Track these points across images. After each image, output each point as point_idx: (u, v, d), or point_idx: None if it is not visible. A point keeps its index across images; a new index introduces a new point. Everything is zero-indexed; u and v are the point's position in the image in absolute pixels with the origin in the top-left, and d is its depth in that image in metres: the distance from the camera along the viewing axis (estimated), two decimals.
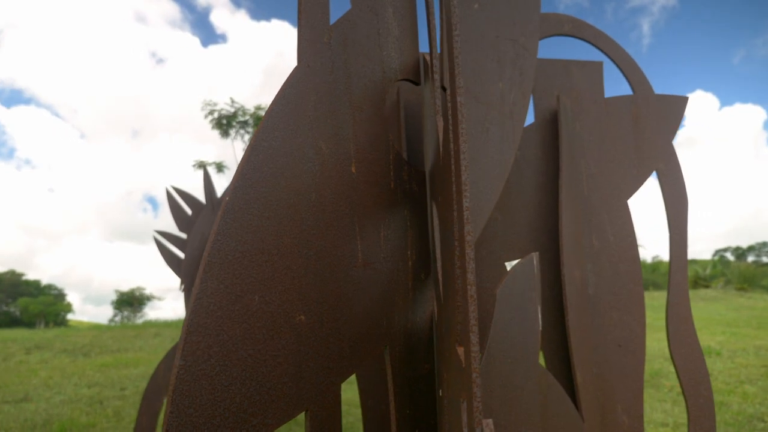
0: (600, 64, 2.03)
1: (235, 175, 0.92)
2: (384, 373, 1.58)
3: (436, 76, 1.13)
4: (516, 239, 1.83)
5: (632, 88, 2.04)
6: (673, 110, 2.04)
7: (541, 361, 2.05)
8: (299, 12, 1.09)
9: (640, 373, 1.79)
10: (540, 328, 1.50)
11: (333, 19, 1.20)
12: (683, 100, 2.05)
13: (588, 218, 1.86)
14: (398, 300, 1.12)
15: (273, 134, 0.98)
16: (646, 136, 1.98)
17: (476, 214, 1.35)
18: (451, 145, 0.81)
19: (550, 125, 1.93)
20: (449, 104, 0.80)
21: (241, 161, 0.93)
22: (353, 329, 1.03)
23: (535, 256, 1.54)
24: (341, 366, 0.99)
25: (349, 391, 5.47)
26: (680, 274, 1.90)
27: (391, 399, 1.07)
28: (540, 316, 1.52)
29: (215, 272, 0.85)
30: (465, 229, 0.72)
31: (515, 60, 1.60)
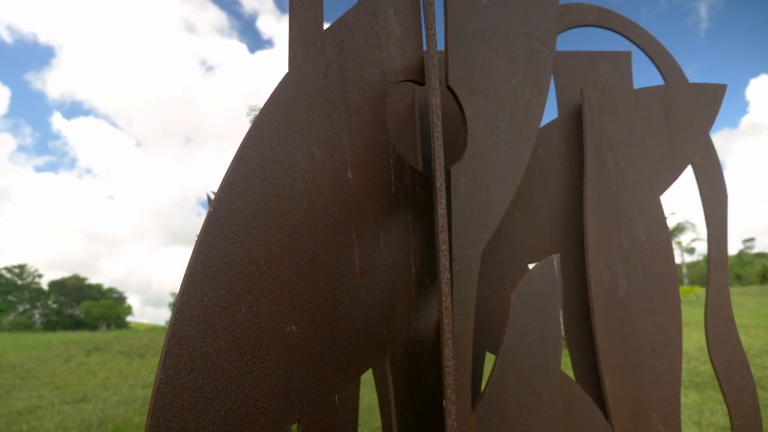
0: (628, 54, 1.93)
1: (220, 184, 0.91)
2: None
3: (432, 75, 1.09)
4: (539, 240, 1.76)
5: (664, 78, 1.93)
6: (709, 99, 1.91)
7: (568, 367, 1.96)
8: (290, 17, 1.08)
9: (677, 379, 1.68)
10: (562, 334, 1.44)
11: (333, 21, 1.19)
12: (720, 89, 1.92)
13: (617, 216, 1.77)
14: (400, 307, 1.09)
15: (261, 142, 0.97)
16: (680, 128, 1.87)
17: (487, 217, 1.30)
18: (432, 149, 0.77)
19: (575, 120, 1.85)
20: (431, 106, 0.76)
21: (227, 170, 0.92)
22: (350, 338, 1.00)
23: (555, 258, 1.48)
24: (336, 376, 0.97)
25: (368, 398, 5.44)
26: (720, 272, 1.78)
27: (392, 409, 1.04)
28: (562, 320, 1.45)
29: (199, 284, 0.85)
30: (440, 237, 0.68)
31: (530, 54, 1.53)
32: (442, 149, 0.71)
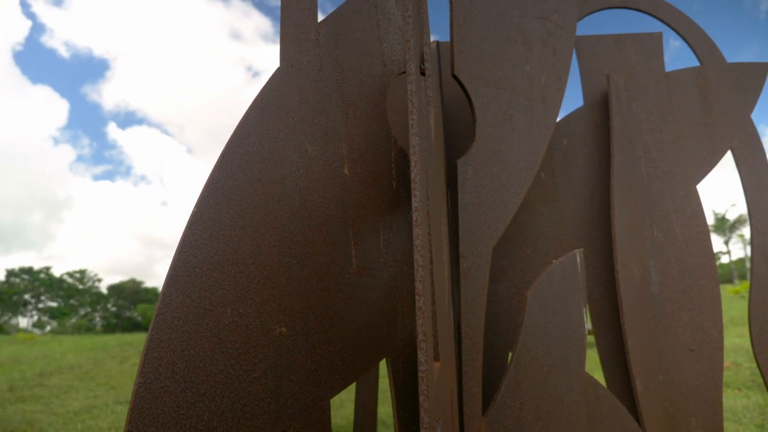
0: (659, 36, 1.82)
1: (205, 183, 0.89)
2: None
3: (427, 65, 1.04)
4: (564, 234, 1.67)
5: (699, 59, 1.80)
6: (750, 80, 1.77)
7: (597, 368, 1.85)
8: (282, 9, 1.05)
9: (718, 381, 1.56)
10: (586, 333, 1.36)
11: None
12: (763, 68, 1.78)
13: (649, 208, 1.66)
14: (401, 307, 1.04)
15: (248, 140, 0.94)
16: (717, 112, 1.74)
17: (498, 211, 1.24)
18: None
19: (601, 107, 1.75)
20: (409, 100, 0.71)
21: (212, 169, 0.90)
22: (346, 340, 0.96)
23: (578, 253, 1.39)
24: (331, 380, 0.93)
25: (381, 409, 5.36)
26: (764, 266, 1.64)
27: (394, 413, 1.00)
28: (586, 319, 1.37)
29: (181, 286, 0.82)
30: (414, 232, 0.63)
31: (546, 39, 1.46)
32: (417, 138, 0.66)
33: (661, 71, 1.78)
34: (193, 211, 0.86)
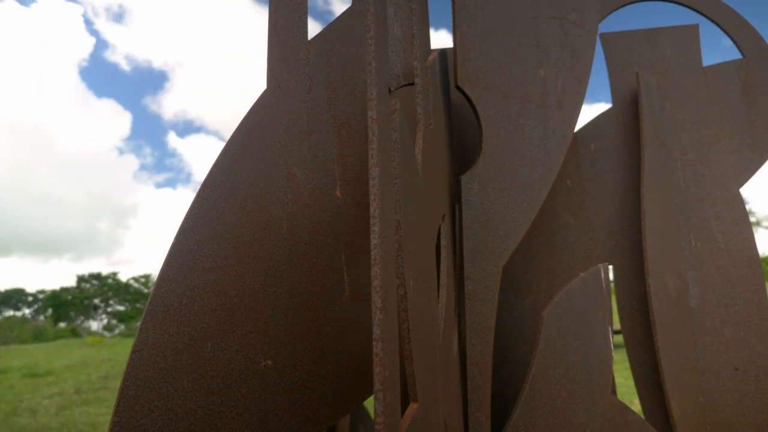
0: (695, 28, 1.69)
1: (185, 215, 0.87)
2: None
3: (417, 80, 0.99)
4: (593, 246, 1.58)
5: (740, 51, 1.66)
6: None
7: (625, 391, 1.73)
8: (269, 28, 1.03)
9: (767, 403, 1.43)
10: (612, 355, 1.27)
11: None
12: None
13: (686, 215, 1.54)
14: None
15: (231, 167, 0.92)
16: (763, 107, 1.60)
17: (508, 228, 1.17)
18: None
19: (632, 108, 1.64)
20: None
21: (193, 200, 0.88)
22: (337, 371, 0.93)
23: (602, 268, 1.31)
24: (321, 414, 0.90)
25: None
26: None
27: None
28: (612, 338, 1.28)
29: (158, 321, 0.81)
30: (372, 271, 0.59)
31: (563, 41, 1.37)
32: (377, 169, 0.61)
33: (699, 66, 1.65)
34: (171, 244, 0.85)
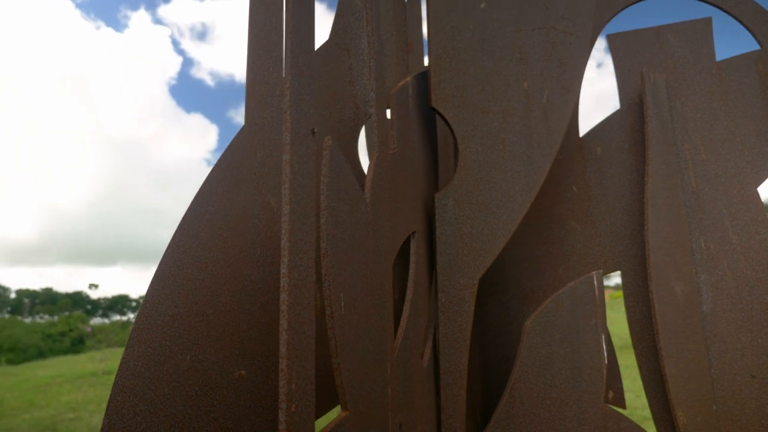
0: (707, 22, 1.63)
1: (168, 244, 1.00)
2: None
3: (372, 110, 1.06)
4: (600, 252, 1.57)
5: (758, 41, 1.58)
6: None
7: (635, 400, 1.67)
8: (247, 69, 1.14)
9: None
10: (605, 362, 1.27)
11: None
12: None
13: (698, 217, 1.50)
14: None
15: (210, 199, 1.04)
16: None
17: (484, 241, 1.21)
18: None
19: (639, 110, 1.61)
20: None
21: (176, 230, 1.01)
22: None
23: (595, 276, 1.32)
24: None
25: None
26: None
27: None
28: (605, 346, 1.28)
29: (143, 337, 0.94)
30: (281, 270, 0.68)
31: (550, 51, 1.39)
32: (287, 217, 0.70)
33: (711, 61, 1.59)
34: (156, 269, 0.98)
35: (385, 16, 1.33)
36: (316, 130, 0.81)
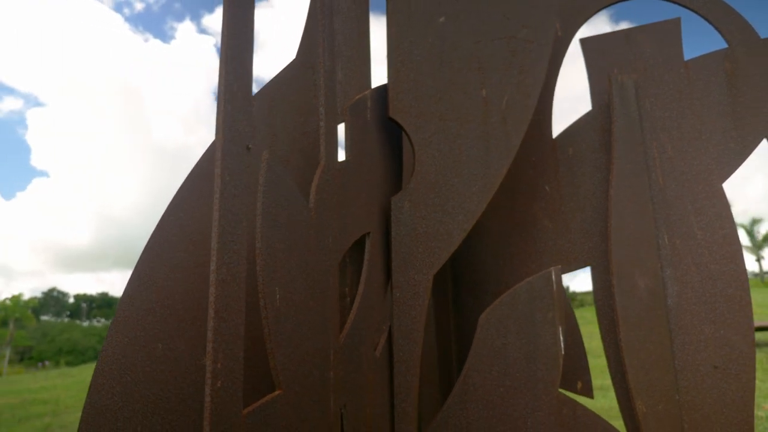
0: (675, 22, 1.67)
1: (143, 249, 1.14)
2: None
3: (321, 123, 1.17)
4: (570, 248, 1.63)
5: (725, 39, 1.61)
6: None
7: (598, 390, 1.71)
8: (218, 88, 1.27)
9: (748, 402, 1.40)
10: (561, 352, 1.34)
11: None
12: None
13: (665, 213, 1.54)
14: (332, 339, 1.18)
15: (182, 206, 1.17)
16: (748, 97, 1.55)
17: (440, 240, 1.31)
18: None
19: (609, 111, 1.67)
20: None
21: (149, 238, 1.15)
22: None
23: (554, 271, 1.40)
24: (253, 402, 1.12)
25: None
26: None
27: None
28: (562, 338, 1.36)
29: (120, 328, 1.08)
30: (211, 267, 0.80)
31: (510, 59, 1.47)
32: (220, 201, 0.83)
33: (680, 61, 1.63)
34: (133, 270, 1.12)
35: (350, 33, 1.44)
36: (251, 146, 0.93)
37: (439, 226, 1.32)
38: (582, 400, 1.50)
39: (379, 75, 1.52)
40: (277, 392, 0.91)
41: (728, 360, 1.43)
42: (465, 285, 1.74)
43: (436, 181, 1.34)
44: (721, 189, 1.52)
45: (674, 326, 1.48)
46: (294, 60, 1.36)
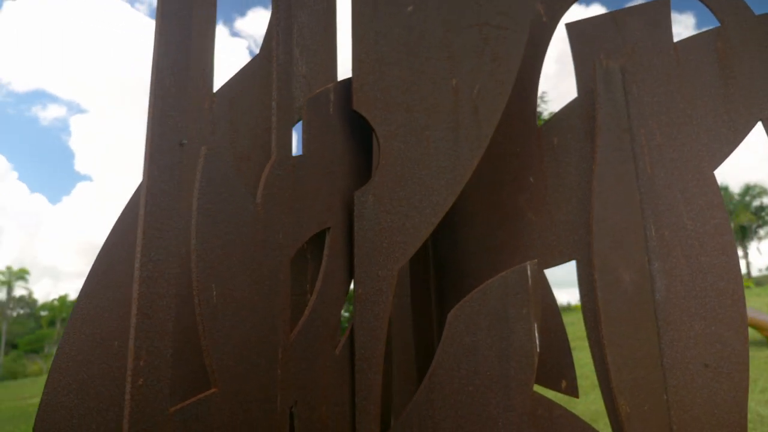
0: (664, 2, 1.59)
1: (101, 247, 1.14)
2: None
3: (274, 118, 1.15)
4: (555, 242, 1.57)
5: (717, 18, 1.52)
6: None
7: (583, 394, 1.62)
8: (150, 83, 1.26)
9: (741, 402, 1.32)
10: (536, 349, 1.29)
11: None
12: None
13: (653, 203, 1.47)
14: (283, 337, 1.16)
15: (138, 204, 1.18)
16: (741, 78, 1.46)
17: (406, 234, 1.27)
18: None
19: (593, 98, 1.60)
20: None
21: (107, 235, 1.15)
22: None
23: (529, 266, 1.35)
24: None
25: None
26: None
27: None
28: (537, 335, 1.30)
29: (77, 326, 1.09)
30: (135, 265, 0.79)
31: (481, 47, 1.42)
32: (147, 197, 0.82)
33: (669, 42, 1.55)
34: (90, 268, 1.13)
35: (316, 27, 1.42)
36: (184, 141, 0.91)
37: (405, 220, 1.28)
38: (571, 400, 1.44)
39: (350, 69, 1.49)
40: (212, 390, 0.89)
41: (720, 358, 1.34)
42: (450, 279, 1.70)
43: (402, 173, 1.31)
44: (713, 176, 1.44)
45: (662, 322, 1.40)
46: (257, 55, 1.35)
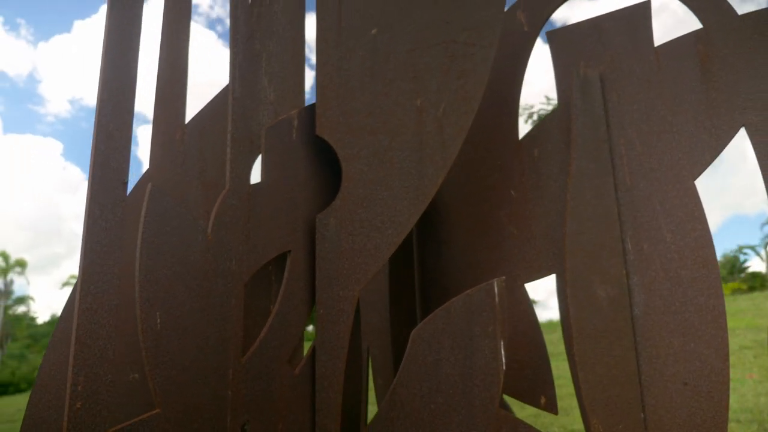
0: (645, 5, 1.53)
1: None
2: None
3: (228, 149, 1.21)
4: (535, 256, 1.56)
5: (699, 19, 1.46)
6: None
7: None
8: (153, 120, 1.35)
9: (721, 422, 1.26)
10: (501, 367, 1.29)
11: None
12: None
13: (632, 215, 1.43)
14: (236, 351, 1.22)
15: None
16: (723, 81, 1.39)
17: (367, 255, 1.30)
18: None
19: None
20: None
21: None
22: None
23: (496, 283, 1.35)
24: None
25: None
26: None
27: None
28: (503, 353, 1.30)
29: (59, 343, 1.18)
30: (76, 297, 0.87)
31: (449, 65, 1.43)
32: (86, 236, 0.89)
33: (649, 47, 1.50)
34: (74, 286, 1.22)
35: (283, 54, 1.47)
36: (126, 180, 0.99)
37: (367, 241, 1.31)
38: (560, 417, 1.43)
39: None
40: (155, 411, 0.96)
41: (699, 376, 1.29)
42: (434, 294, 1.71)
43: (364, 195, 1.34)
44: (693, 186, 1.38)
45: (641, 338, 1.36)
46: (226, 86, 1.42)
